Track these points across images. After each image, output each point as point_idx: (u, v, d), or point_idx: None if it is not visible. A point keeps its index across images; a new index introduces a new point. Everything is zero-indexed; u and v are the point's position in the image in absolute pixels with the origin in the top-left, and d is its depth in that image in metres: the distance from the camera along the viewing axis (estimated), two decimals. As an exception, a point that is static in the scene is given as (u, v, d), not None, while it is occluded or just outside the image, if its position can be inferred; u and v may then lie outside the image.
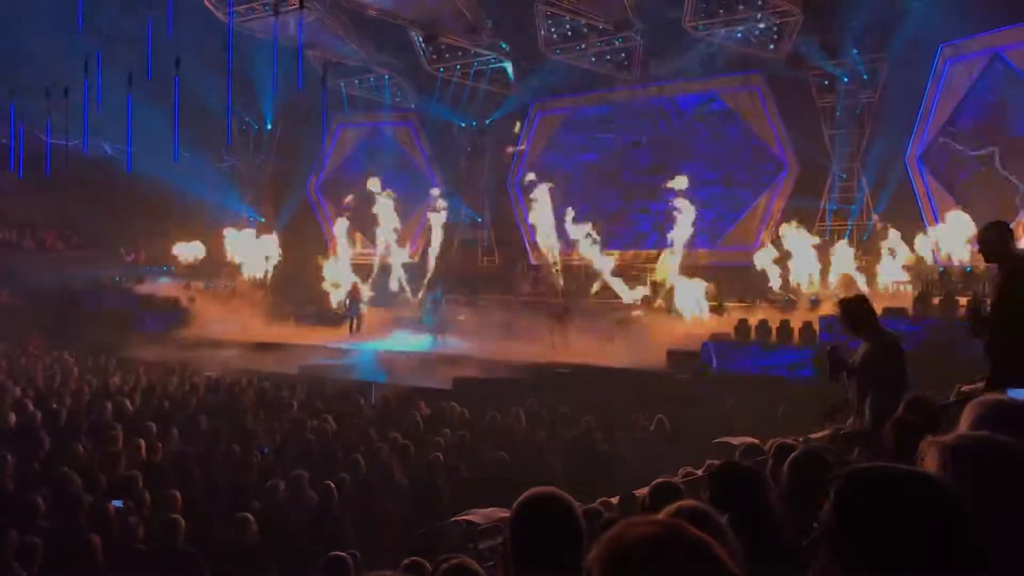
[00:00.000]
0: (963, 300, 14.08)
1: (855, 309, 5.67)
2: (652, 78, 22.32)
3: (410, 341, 20.11)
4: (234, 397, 13.42)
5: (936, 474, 1.56)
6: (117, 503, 6.88)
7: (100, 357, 18.59)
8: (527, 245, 24.40)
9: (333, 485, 7.54)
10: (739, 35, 20.27)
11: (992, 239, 5.25)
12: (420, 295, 22.53)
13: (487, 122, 26.00)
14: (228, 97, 19.77)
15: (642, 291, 20.55)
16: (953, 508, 1.38)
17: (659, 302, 19.61)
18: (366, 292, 22.71)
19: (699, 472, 6.19)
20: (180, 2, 18.38)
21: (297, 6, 18.75)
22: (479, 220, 25.99)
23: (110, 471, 8.09)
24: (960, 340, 9.74)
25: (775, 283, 18.93)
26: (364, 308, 21.93)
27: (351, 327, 21.52)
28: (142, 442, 9.20)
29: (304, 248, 26.99)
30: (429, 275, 23.56)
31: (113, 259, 27.11)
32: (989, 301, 5.45)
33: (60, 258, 26.13)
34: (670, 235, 20.42)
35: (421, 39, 23.59)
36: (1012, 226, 5.33)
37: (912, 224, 18.52)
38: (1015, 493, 1.59)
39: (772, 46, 20.13)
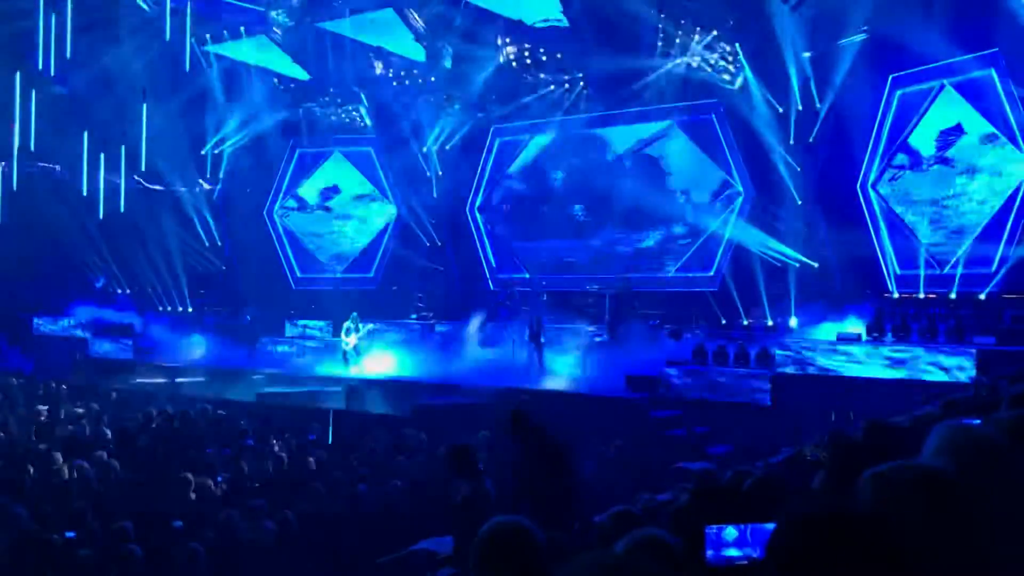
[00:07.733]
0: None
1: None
2: (608, 107, 22.51)
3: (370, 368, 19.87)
4: (188, 425, 13.17)
5: (866, 510, 1.54)
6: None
7: (51, 383, 18.13)
8: (486, 270, 24.41)
9: (291, 515, 7.43)
10: (695, 66, 20.64)
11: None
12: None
13: (447, 147, 26.01)
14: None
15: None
16: (886, 547, 1.36)
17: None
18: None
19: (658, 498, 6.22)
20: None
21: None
22: (439, 244, 25.89)
23: (60, 502, 7.88)
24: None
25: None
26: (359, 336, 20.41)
27: (345, 358, 20.10)
28: (93, 472, 8.98)
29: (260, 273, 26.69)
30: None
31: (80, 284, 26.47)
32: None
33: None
34: None
35: (380, 64, 23.59)
36: None
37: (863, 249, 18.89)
38: (942, 520, 1.58)
39: (727, 76, 20.51)
